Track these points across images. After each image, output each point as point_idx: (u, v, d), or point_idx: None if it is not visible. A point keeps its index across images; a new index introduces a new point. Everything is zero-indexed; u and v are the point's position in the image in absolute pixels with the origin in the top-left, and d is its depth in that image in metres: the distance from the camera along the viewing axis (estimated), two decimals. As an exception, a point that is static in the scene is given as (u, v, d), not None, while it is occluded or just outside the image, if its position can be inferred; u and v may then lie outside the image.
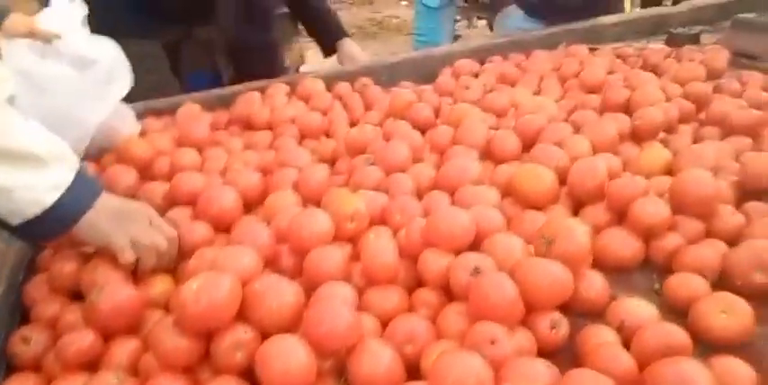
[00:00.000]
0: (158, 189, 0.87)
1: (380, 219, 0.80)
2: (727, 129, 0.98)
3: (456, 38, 5.08)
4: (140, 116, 1.13)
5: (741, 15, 1.44)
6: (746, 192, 0.82)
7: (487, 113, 1.08)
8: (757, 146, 0.94)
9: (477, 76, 1.34)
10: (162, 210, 0.82)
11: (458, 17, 5.14)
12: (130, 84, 0.97)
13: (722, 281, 0.68)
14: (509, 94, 1.16)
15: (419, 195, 0.84)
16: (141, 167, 0.94)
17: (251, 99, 1.18)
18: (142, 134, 1.07)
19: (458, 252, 0.70)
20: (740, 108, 1.02)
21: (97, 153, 1.00)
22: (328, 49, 1.66)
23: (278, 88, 1.24)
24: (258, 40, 1.50)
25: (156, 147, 0.98)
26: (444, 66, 1.40)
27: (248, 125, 1.14)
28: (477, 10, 5.30)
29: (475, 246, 0.71)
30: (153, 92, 1.27)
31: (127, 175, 0.91)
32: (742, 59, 1.36)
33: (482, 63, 1.42)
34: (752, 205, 0.78)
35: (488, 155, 0.96)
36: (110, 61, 0.93)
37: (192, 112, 1.16)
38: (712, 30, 1.64)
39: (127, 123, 1.03)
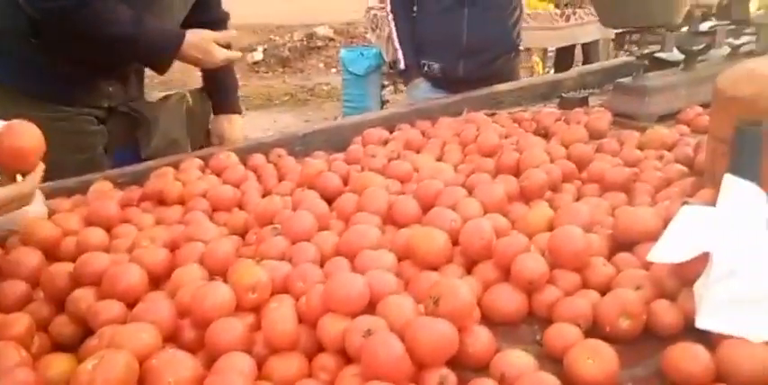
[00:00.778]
0: (63, 270, 0.88)
1: (283, 288, 0.83)
2: (605, 186, 1.08)
3: (384, 103, 5.30)
4: (50, 196, 1.14)
5: (620, 80, 1.60)
6: (619, 245, 0.90)
7: (391, 179, 1.15)
8: (630, 201, 1.04)
9: (386, 143, 1.42)
10: (67, 291, 0.83)
11: (385, 82, 5.39)
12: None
13: (595, 328, 0.75)
14: (412, 161, 1.24)
15: (322, 262, 0.88)
16: (47, 249, 0.95)
17: (164, 174, 1.21)
18: (51, 214, 1.08)
19: (354, 316, 0.73)
20: (615, 166, 1.13)
21: (2, 237, 1.00)
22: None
23: (191, 163, 1.27)
24: None
25: (62, 228, 0.99)
26: (356, 134, 1.48)
27: (161, 201, 1.16)
28: (396, 75, 5.54)
29: (370, 308, 0.75)
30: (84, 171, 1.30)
31: (31, 257, 0.91)
32: (623, 119, 1.51)
33: (392, 131, 1.51)
34: (621, 256, 0.86)
35: (390, 219, 1.02)
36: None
37: (104, 190, 1.18)
38: (599, 92, 1.81)
39: (34, 205, 1.04)
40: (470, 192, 1.05)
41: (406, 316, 0.72)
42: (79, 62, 1.39)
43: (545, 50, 5.65)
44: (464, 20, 1.98)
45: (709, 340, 0.70)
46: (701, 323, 0.71)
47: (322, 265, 0.87)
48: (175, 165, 1.28)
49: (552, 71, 6.16)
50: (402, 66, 2.10)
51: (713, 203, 0.86)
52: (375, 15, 4.88)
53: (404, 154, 1.31)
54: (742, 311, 0.70)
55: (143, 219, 1.09)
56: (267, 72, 7.58)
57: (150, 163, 1.33)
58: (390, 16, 2.10)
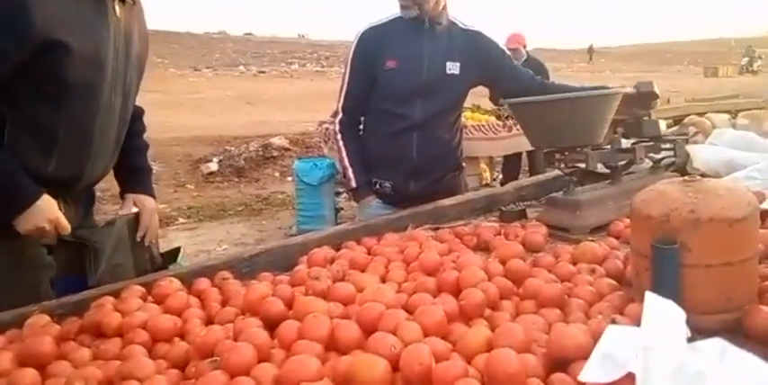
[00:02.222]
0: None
1: (220, 428, 0.80)
2: (540, 302, 1.12)
3: (338, 210, 5.40)
4: (-17, 332, 1.10)
5: (552, 194, 1.71)
6: (554, 362, 0.92)
7: (334, 303, 1.16)
8: (564, 316, 1.07)
9: (332, 261, 1.45)
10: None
11: (339, 189, 5.52)
12: None
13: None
14: (356, 281, 1.26)
15: (262, 397, 0.87)
16: (-28, 393, 0.90)
17: (102, 305, 1.19)
18: (-18, 353, 1.03)
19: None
20: (549, 282, 1.17)
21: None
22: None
23: (132, 291, 1.26)
24: None
25: (-8, 369, 0.95)
26: (302, 254, 1.51)
27: (99, 333, 1.14)
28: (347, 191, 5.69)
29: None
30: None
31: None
32: (558, 232, 1.58)
33: (338, 248, 1.55)
34: (557, 376, 0.87)
35: (333, 345, 1.02)
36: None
37: (40, 324, 1.15)
38: (537, 204, 1.91)
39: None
40: (412, 313, 1.06)
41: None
42: None
43: (491, 158, 5.95)
44: (414, 142, 2.09)
45: None
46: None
47: (262, 400, 0.85)
48: (116, 294, 1.27)
49: (501, 176, 6.46)
50: (353, 184, 2.14)
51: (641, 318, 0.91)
52: (327, 128, 5.12)
53: (349, 273, 1.34)
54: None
55: (80, 354, 1.06)
56: (222, 182, 7.67)
57: (90, 292, 1.31)
58: (339, 136, 2.15)
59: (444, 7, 2.10)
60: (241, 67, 28.65)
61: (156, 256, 1.74)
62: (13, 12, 1.25)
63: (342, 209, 5.42)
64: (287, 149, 8.79)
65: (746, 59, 32.03)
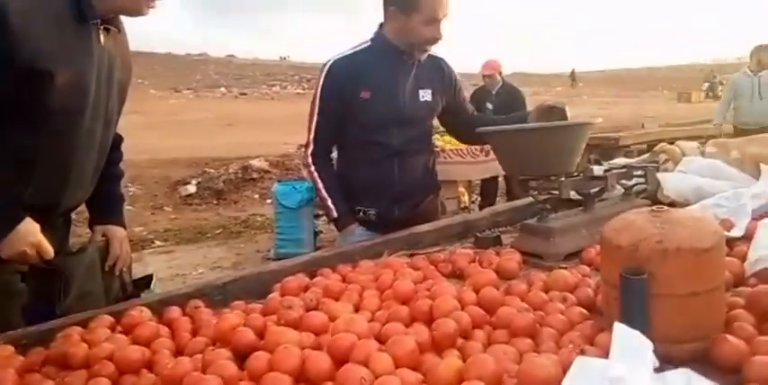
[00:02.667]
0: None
1: None
2: (512, 331, 1.12)
3: (317, 234, 5.38)
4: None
5: (526, 221, 1.72)
6: (525, 395, 0.92)
7: (306, 333, 1.15)
8: (536, 346, 1.07)
9: (306, 289, 1.44)
10: None
11: (319, 212, 5.50)
12: None
13: None
14: (329, 310, 1.25)
15: (229, 432, 0.85)
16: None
17: (69, 335, 1.17)
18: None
19: None
20: (521, 311, 1.18)
21: None
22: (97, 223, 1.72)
23: (100, 321, 1.24)
24: None
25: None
26: (276, 281, 1.49)
27: (65, 365, 1.11)
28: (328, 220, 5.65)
29: None
30: None
31: None
32: (531, 258, 1.59)
33: (313, 276, 1.54)
34: (527, 409, 0.87)
35: (303, 377, 1.01)
36: None
37: (3, 355, 1.12)
38: (512, 229, 1.92)
39: None
40: (384, 343, 1.06)
41: None
42: None
43: (470, 182, 6.00)
44: (395, 168, 2.11)
45: None
46: None
47: (228, 435, 0.84)
48: (85, 323, 1.25)
49: (479, 199, 6.51)
50: (334, 214, 2.10)
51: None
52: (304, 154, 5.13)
53: (322, 302, 1.33)
54: None
55: (43, 388, 1.03)
56: (201, 205, 7.62)
57: (57, 322, 1.28)
58: (312, 168, 2.11)
59: None
60: (222, 89, 28.71)
61: (127, 284, 1.72)
62: None
63: (321, 232, 5.40)
64: (267, 171, 8.79)
65: (707, 85, 33.19)
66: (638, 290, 1.02)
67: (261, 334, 1.17)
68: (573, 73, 46.92)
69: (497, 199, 6.14)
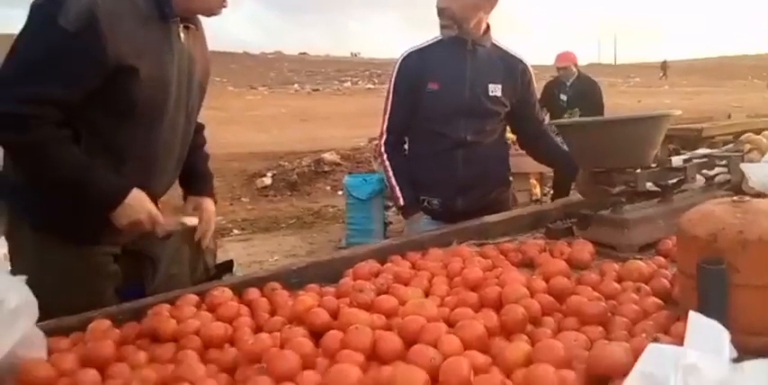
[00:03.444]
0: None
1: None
2: (583, 320, 1.12)
3: (386, 224, 5.44)
4: (50, 334, 1.18)
5: (601, 212, 1.69)
6: (594, 380, 0.92)
7: (377, 315, 1.19)
8: (607, 334, 1.07)
9: (377, 275, 1.48)
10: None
11: (389, 203, 5.56)
12: (35, 320, 1.04)
13: None
14: (399, 294, 1.29)
15: (305, 402, 0.90)
16: (42, 390, 0.97)
17: (159, 312, 1.26)
18: (49, 354, 1.11)
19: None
20: (593, 300, 1.17)
21: (1, 380, 1.03)
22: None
23: (186, 300, 1.32)
24: None
25: (58, 369, 1.02)
26: (348, 267, 1.54)
27: (155, 338, 1.20)
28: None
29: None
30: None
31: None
32: (605, 249, 1.57)
33: (384, 262, 1.58)
34: (596, 394, 0.87)
35: (375, 355, 1.05)
36: (15, 301, 1.01)
37: (101, 329, 1.22)
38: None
39: (34, 347, 1.08)
40: (453, 327, 1.08)
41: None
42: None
43: (542, 174, 5.88)
44: (459, 160, 2.14)
45: None
46: None
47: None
48: (172, 302, 1.34)
49: (551, 192, 6.37)
50: (401, 202, 2.18)
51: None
52: (377, 145, 5.19)
53: (393, 287, 1.36)
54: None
55: (137, 358, 1.12)
56: (276, 196, 7.86)
57: (148, 299, 1.38)
58: (385, 157, 2.20)
59: (487, 30, 2.15)
60: (296, 86, 29.31)
61: (210, 267, 1.82)
62: (89, 41, 1.35)
63: (391, 223, 5.46)
64: (338, 164, 8.95)
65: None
66: (717, 280, 0.99)
67: (334, 315, 1.21)
68: (664, 63, 44.95)
69: (570, 192, 5.99)
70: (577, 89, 5.84)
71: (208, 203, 1.78)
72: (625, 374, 0.85)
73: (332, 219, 6.46)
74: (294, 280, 1.52)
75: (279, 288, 1.44)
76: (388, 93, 2.21)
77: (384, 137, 2.22)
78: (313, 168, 8.84)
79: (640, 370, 0.82)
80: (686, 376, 0.77)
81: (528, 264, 1.51)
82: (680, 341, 0.95)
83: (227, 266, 1.81)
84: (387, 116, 2.20)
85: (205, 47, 1.71)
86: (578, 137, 1.73)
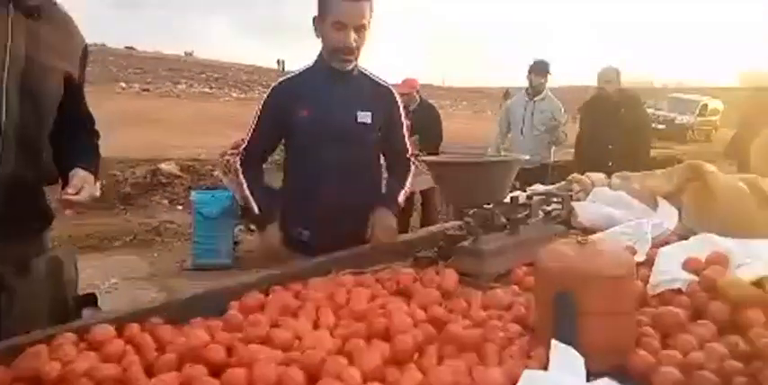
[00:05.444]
0: None
1: None
2: (460, 347, 1.27)
3: (236, 244, 5.34)
4: None
5: (461, 243, 1.89)
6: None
7: (275, 349, 1.24)
8: (481, 360, 1.23)
9: (263, 307, 1.51)
10: None
11: (238, 222, 5.45)
12: None
13: None
14: (291, 327, 1.35)
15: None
16: None
17: (37, 353, 1.19)
18: None
19: None
20: (467, 328, 1.33)
21: None
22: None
23: (65, 338, 1.26)
24: None
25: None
26: (231, 299, 1.56)
27: (37, 383, 1.14)
28: (250, 221, 5.57)
29: None
30: None
31: None
32: (467, 278, 1.76)
33: (266, 293, 1.62)
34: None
35: (279, 391, 1.10)
36: None
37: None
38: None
39: None
40: (350, 360, 1.17)
41: None
42: None
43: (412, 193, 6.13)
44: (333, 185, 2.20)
45: None
46: None
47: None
48: (47, 342, 1.26)
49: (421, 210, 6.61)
50: (256, 210, 2.21)
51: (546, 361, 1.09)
52: (228, 161, 5.10)
53: (283, 320, 1.41)
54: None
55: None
56: (107, 209, 7.28)
57: (20, 338, 1.29)
58: (240, 169, 2.26)
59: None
60: (122, 84, 27.26)
61: (70, 300, 1.71)
62: None
63: (239, 242, 5.37)
64: (177, 176, 8.54)
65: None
66: (568, 309, 1.20)
67: (230, 351, 1.24)
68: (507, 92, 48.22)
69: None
70: (419, 115, 6.18)
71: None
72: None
73: (173, 237, 6.15)
74: (172, 314, 1.50)
75: (161, 323, 1.42)
76: (255, 115, 2.24)
77: (242, 154, 2.27)
78: (149, 179, 8.34)
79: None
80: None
81: (402, 293, 1.65)
82: (542, 365, 1.14)
83: (90, 300, 1.72)
84: (248, 138, 2.25)
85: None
86: (450, 176, 1.92)
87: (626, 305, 1.24)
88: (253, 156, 2.28)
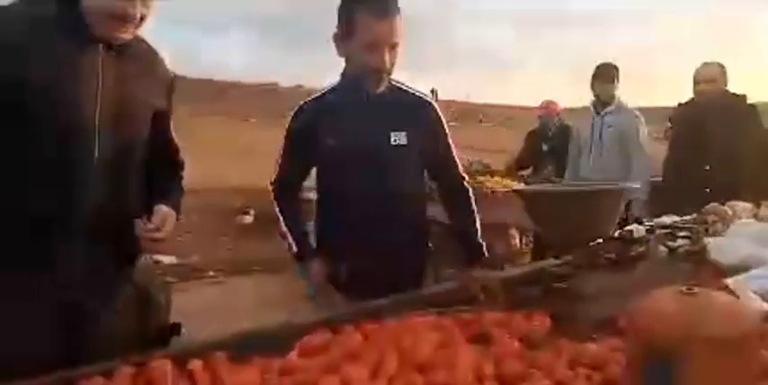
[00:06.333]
0: None
1: None
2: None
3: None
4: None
5: (557, 284, 1.67)
6: None
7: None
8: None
9: (327, 347, 1.42)
10: None
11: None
12: None
13: None
14: (346, 372, 1.24)
15: None
16: None
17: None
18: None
19: None
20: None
21: None
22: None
23: (122, 372, 1.26)
24: None
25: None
26: (297, 337, 1.48)
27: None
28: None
29: None
30: None
31: None
32: (562, 323, 1.53)
33: (336, 331, 1.52)
34: None
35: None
36: None
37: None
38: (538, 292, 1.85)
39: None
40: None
41: None
42: None
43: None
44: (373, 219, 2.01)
45: None
46: None
47: None
48: (107, 373, 1.27)
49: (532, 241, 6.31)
50: (294, 249, 2.05)
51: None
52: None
53: (341, 365, 1.31)
54: None
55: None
56: (259, 235, 7.67)
57: (81, 370, 1.31)
58: (275, 204, 2.09)
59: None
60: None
61: (160, 327, 1.75)
62: None
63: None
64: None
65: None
66: (662, 375, 0.97)
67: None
68: None
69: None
70: (559, 137, 5.76)
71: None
72: None
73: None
74: (236, 349, 1.45)
75: (223, 359, 1.38)
76: (282, 143, 2.09)
77: (275, 188, 2.10)
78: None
79: None
80: None
81: (482, 339, 1.46)
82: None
83: (175, 329, 1.75)
84: (277, 169, 2.09)
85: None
86: (545, 206, 1.72)
87: (740, 379, 0.96)
88: (285, 187, 2.11)
